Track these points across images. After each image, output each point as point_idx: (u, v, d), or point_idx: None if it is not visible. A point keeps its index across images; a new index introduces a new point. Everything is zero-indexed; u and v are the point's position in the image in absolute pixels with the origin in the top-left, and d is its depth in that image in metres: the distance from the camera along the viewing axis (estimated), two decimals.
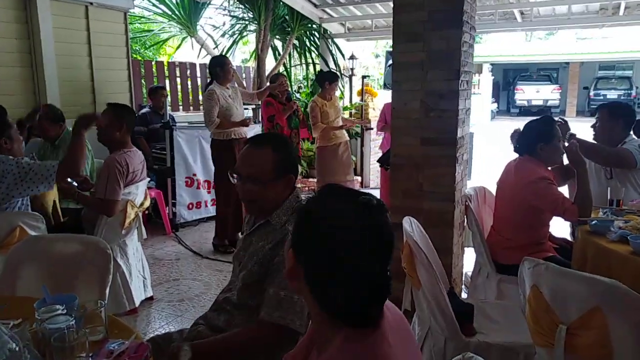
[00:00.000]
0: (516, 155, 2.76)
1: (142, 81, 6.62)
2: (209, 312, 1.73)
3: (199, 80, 7.45)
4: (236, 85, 4.67)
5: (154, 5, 7.03)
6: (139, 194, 3.31)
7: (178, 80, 7.12)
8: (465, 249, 3.31)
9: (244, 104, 4.64)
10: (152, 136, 5.50)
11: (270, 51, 8.05)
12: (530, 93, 20.65)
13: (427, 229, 3.00)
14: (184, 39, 7.75)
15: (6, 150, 2.48)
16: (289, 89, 5.15)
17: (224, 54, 7.40)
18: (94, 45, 5.51)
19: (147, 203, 3.48)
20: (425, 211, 3.07)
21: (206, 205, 5.55)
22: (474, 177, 7.94)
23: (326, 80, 5.38)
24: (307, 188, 7.06)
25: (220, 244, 4.61)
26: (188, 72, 7.28)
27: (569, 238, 3.10)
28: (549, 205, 2.49)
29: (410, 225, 2.19)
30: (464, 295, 3.37)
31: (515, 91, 21.18)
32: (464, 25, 2.85)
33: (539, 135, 2.60)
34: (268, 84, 5.36)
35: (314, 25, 7.61)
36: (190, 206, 5.40)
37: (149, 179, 3.48)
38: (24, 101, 4.90)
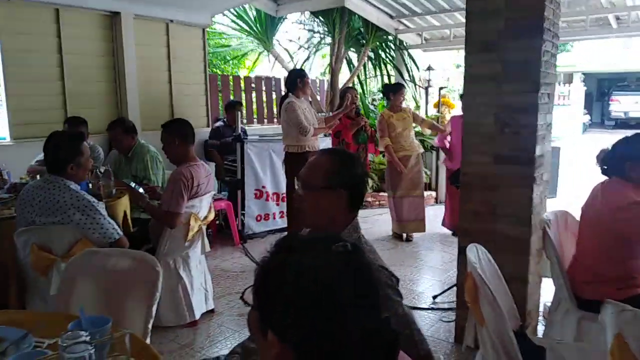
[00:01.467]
0: (605, 178, 2.44)
1: (219, 95, 6.78)
2: (247, 340, 1.65)
3: (273, 94, 7.55)
4: (310, 99, 4.62)
5: (232, 21, 7.23)
6: (202, 207, 3.33)
7: (253, 93, 7.26)
8: (544, 279, 3.00)
9: None
10: (225, 149, 5.60)
11: (345, 64, 8.02)
12: (627, 104, 19.05)
13: (499, 255, 2.76)
14: (260, 53, 7.90)
15: (70, 176, 2.59)
16: (358, 103, 5.03)
17: (299, 67, 7.45)
18: (172, 61, 5.74)
19: (211, 216, 3.50)
20: (498, 235, 2.82)
21: (274, 218, 5.55)
22: (560, 197, 7.39)
23: (389, 91, 5.23)
24: (377, 202, 6.89)
25: None
26: (263, 85, 7.40)
27: None
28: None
29: (475, 254, 1.98)
30: (540, 328, 3.05)
31: (610, 102, 19.64)
32: (545, 33, 2.59)
33: (629, 153, 2.29)
34: (338, 97, 5.29)
35: (390, 37, 7.46)
36: (259, 218, 5.43)
37: (214, 191, 3.50)
38: (107, 114, 5.17)
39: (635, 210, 2.18)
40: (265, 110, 7.45)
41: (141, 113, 5.42)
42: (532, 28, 2.58)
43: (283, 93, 4.49)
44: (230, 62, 9.01)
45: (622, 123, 19.42)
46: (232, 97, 6.79)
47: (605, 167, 2.42)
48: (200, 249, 3.39)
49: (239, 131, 5.27)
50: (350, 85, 7.80)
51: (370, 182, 7.05)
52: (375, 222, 6.10)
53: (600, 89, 22.46)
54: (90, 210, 2.53)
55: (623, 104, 19.19)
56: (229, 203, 5.19)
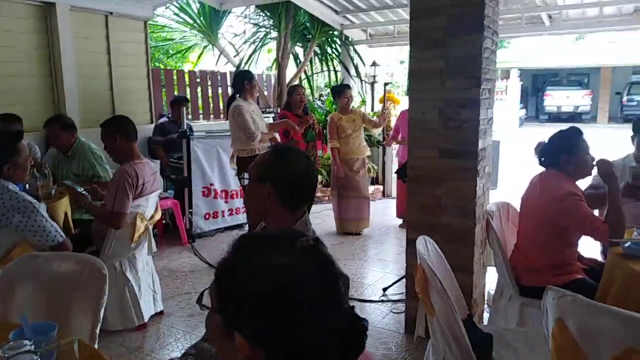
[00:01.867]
0: (542, 169, 2.57)
1: (163, 90, 6.59)
2: (200, 341, 1.62)
3: (219, 89, 7.42)
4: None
5: (175, 14, 7.04)
6: (149, 206, 3.23)
7: (199, 88, 7.11)
8: (489, 268, 3.13)
9: None
10: (170, 146, 5.46)
11: (292, 59, 7.99)
12: (559, 99, 20.11)
13: (445, 246, 2.84)
14: (205, 47, 7.74)
15: (7, 177, 2.45)
16: (305, 101, 5.02)
17: (244, 62, 7.36)
18: (113, 55, 5.52)
19: (158, 216, 3.40)
20: (443, 227, 2.91)
21: (223, 215, 5.47)
22: (501, 188, 7.70)
23: (334, 94, 5.30)
24: (327, 197, 6.93)
25: None
26: (209, 80, 7.27)
27: (599, 258, 2.89)
28: (576, 223, 2.30)
29: (424, 246, 2.04)
30: (486, 316, 3.18)
31: (544, 97, 20.67)
32: (486, 30, 2.69)
33: (564, 147, 2.42)
34: (286, 94, 5.26)
35: (335, 32, 7.50)
36: (207, 216, 5.33)
37: (160, 190, 3.40)
38: (43, 111, 4.91)
39: (571, 201, 2.30)
40: (212, 106, 7.32)
41: (80, 109, 5.19)
42: (473, 25, 2.67)
43: (230, 92, 4.41)
44: (174, 56, 8.77)
45: (554, 117, 20.47)
46: (176, 92, 6.62)
47: (542, 159, 2.54)
48: (147, 250, 3.30)
49: (185, 127, 5.15)
50: (297, 80, 7.79)
51: (320, 177, 7.09)
52: (325, 217, 6.14)
53: (535, 85, 23.57)
54: (31, 212, 2.40)
55: (555, 99, 20.23)
56: (175, 202, 5.06)
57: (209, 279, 3.13)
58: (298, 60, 7.95)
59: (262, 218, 1.61)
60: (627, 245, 2.11)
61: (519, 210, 2.69)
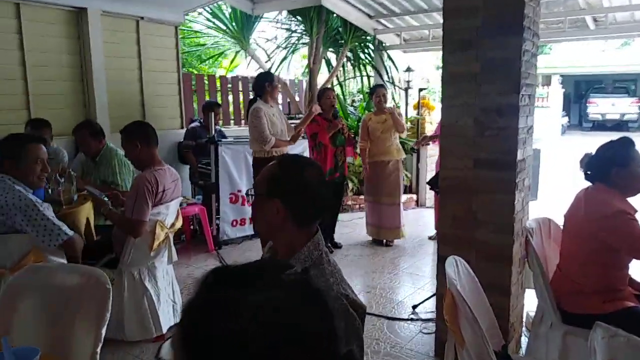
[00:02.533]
0: (588, 184, 2.33)
1: (194, 95, 6.57)
2: None
3: (250, 94, 7.36)
4: (279, 105, 4.46)
5: (207, 19, 7.03)
6: (169, 214, 3.14)
7: (230, 94, 7.06)
8: (528, 290, 2.89)
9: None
10: (200, 151, 5.40)
11: (324, 64, 7.87)
12: (604, 106, 19.27)
13: (480, 264, 2.65)
14: (237, 52, 7.71)
15: (6, 171, 2.43)
16: (336, 105, 4.87)
17: (276, 67, 7.28)
18: (143, 59, 5.52)
19: (179, 224, 3.31)
20: (478, 243, 2.70)
21: (251, 223, 5.36)
22: (541, 200, 7.34)
23: (369, 93, 5.15)
24: (358, 206, 6.75)
25: None
26: (240, 86, 7.22)
27: None
28: (627, 245, 2.06)
29: (454, 268, 1.85)
30: (524, 340, 2.93)
31: (588, 104, 19.85)
32: (525, 31, 2.47)
33: (614, 159, 2.18)
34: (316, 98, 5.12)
35: (368, 37, 7.34)
36: (234, 223, 5.24)
37: (187, 196, 3.31)
38: (73, 115, 4.94)
39: (621, 219, 2.07)
40: (242, 111, 7.25)
41: (110, 114, 5.19)
42: (511, 26, 2.46)
43: (251, 96, 4.31)
44: (207, 61, 8.80)
45: (599, 125, 19.64)
46: (207, 98, 6.59)
47: (589, 173, 2.31)
48: (167, 259, 3.20)
49: (213, 132, 5.08)
50: (329, 85, 7.66)
51: (350, 185, 6.92)
52: (355, 226, 5.96)
53: (578, 91, 22.72)
54: (32, 211, 2.36)
55: (600, 106, 19.41)
56: (202, 208, 4.99)
57: None
58: (330, 66, 7.81)
59: (271, 236, 1.46)
60: None
61: (562, 227, 2.46)
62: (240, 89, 7.17)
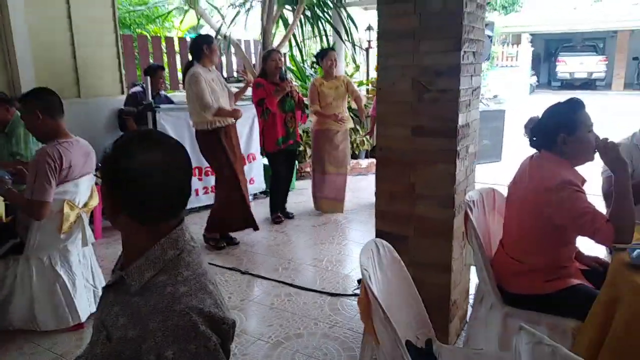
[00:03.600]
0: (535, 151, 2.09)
1: (136, 58, 6.11)
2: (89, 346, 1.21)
3: None
4: (215, 69, 4.09)
5: None
6: (80, 192, 2.81)
7: (177, 57, 6.61)
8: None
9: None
10: (142, 118, 4.99)
11: (282, 25, 7.41)
12: (573, 65, 19.20)
13: (420, 241, 2.43)
14: (186, 11, 7.19)
15: None
16: (282, 67, 4.50)
17: (227, 26, 6.80)
18: (75, 19, 5.03)
19: (94, 202, 2.98)
20: (417, 218, 2.46)
21: (197, 194, 5.07)
22: (506, 161, 7.20)
23: (318, 57, 4.81)
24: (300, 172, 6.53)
25: (211, 238, 4.14)
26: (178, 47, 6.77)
27: (603, 256, 2.43)
28: (572, 220, 1.84)
29: (372, 255, 1.59)
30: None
31: (557, 63, 19.76)
32: None
33: (561, 123, 1.93)
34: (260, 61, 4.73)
35: None
36: (197, 192, 4.95)
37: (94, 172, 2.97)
38: None
39: (567, 191, 1.83)
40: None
41: (37, 80, 4.71)
42: None
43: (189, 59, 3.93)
44: (156, 21, 8.22)
45: (567, 84, 19.65)
46: (151, 61, 6.13)
47: (534, 139, 2.06)
48: (82, 241, 2.89)
49: (150, 98, 4.68)
50: (285, 47, 7.24)
51: (308, 151, 6.63)
52: (309, 195, 5.70)
53: (548, 50, 22.59)
54: None
55: (569, 65, 19.34)
56: None
57: None
58: (288, 26, 7.36)
59: (119, 230, 1.17)
60: (635, 252, 1.64)
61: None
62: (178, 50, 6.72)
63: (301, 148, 6.62)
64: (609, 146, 1.83)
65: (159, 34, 7.64)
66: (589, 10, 19.48)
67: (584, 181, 1.96)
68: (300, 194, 5.86)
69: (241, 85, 4.61)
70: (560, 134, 1.93)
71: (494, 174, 5.92)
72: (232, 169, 3.92)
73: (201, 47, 3.78)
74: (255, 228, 4.17)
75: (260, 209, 4.98)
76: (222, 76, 4.21)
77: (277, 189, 4.78)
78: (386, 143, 2.47)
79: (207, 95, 3.66)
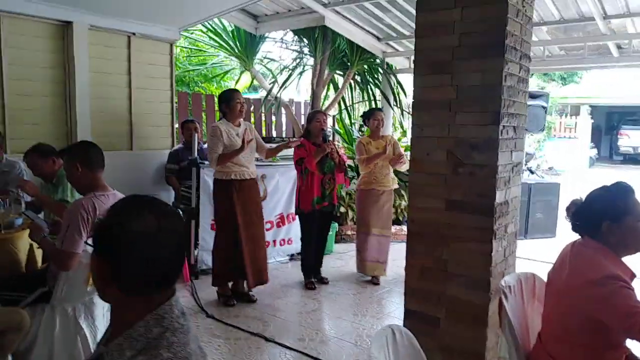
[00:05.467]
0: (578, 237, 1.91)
1: (189, 114, 6.35)
2: None
3: (252, 115, 7.13)
4: (251, 124, 4.19)
5: (210, 38, 6.84)
6: None
7: None
8: None
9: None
10: (184, 174, 5.12)
11: (332, 88, 7.58)
12: (636, 139, 18.39)
13: (451, 324, 2.24)
14: (242, 72, 7.50)
15: None
16: (326, 128, 4.51)
17: (279, 89, 7.01)
18: (134, 76, 5.33)
19: None
20: (449, 299, 2.29)
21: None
22: (561, 237, 6.79)
23: (365, 117, 4.81)
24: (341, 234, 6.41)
25: (221, 293, 4.10)
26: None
27: None
28: (618, 321, 1.63)
29: (386, 344, 1.45)
30: None
31: (619, 136, 19.00)
32: (508, 52, 2.10)
33: (606, 210, 1.76)
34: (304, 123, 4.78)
35: (377, 60, 7.02)
36: None
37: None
38: (54, 131, 4.76)
39: (612, 287, 1.64)
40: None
41: (93, 131, 4.97)
42: (492, 45, 2.09)
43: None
44: (213, 80, 8.61)
45: (630, 158, 18.76)
46: (203, 117, 6.35)
47: (577, 224, 1.89)
48: None
49: (196, 154, 4.80)
50: (334, 110, 7.36)
51: (350, 213, 6.54)
52: (350, 259, 5.54)
53: (609, 122, 21.84)
54: None
55: (632, 139, 18.54)
56: None
57: (195, 325, 2.58)
58: (338, 89, 7.51)
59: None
60: None
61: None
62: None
63: (342, 210, 6.54)
64: None
65: (210, 93, 7.97)
66: None
67: (633, 275, 1.76)
68: (340, 258, 5.72)
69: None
70: (605, 221, 1.75)
71: (546, 250, 5.57)
72: (234, 222, 3.91)
73: (221, 105, 3.99)
74: (249, 287, 4.09)
75: (296, 271, 4.87)
76: (271, 137, 4.33)
77: (308, 252, 4.68)
78: (418, 215, 2.35)
79: (215, 147, 3.81)
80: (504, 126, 2.14)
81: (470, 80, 2.15)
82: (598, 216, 1.78)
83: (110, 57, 5.14)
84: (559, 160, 14.27)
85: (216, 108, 6.69)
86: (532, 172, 10.35)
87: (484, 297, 2.19)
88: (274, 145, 4.77)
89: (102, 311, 2.88)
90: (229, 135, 3.85)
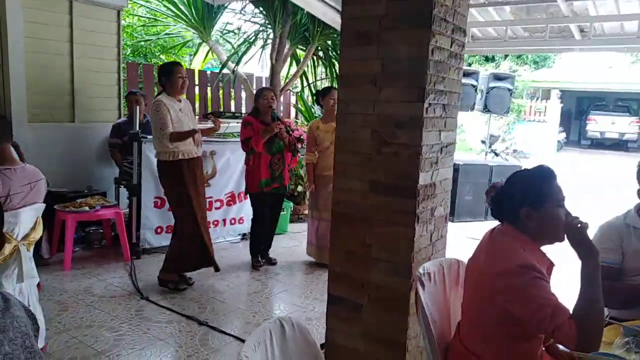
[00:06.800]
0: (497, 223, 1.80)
1: (140, 86, 6.06)
2: None
3: (208, 89, 6.87)
4: (187, 100, 3.96)
5: (165, 6, 6.50)
6: (19, 222, 2.62)
7: (197, 89, 6.58)
8: None
9: None
10: (127, 149, 4.87)
11: (295, 64, 7.34)
12: (604, 124, 18.66)
13: (373, 312, 2.13)
14: (200, 44, 7.19)
15: None
16: (273, 107, 4.29)
17: (236, 61, 6.75)
18: (77, 44, 5.02)
19: (37, 234, 2.78)
20: (373, 286, 2.18)
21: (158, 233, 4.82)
22: None
23: (319, 96, 4.62)
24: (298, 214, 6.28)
25: (169, 280, 3.87)
26: (197, 79, 6.72)
27: None
28: (528, 314, 1.52)
29: (266, 341, 1.31)
30: None
31: (587, 121, 19.26)
32: (436, 23, 1.94)
33: (526, 194, 1.64)
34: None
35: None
36: (159, 230, 4.72)
37: (41, 202, 2.78)
38: None
39: (524, 277, 1.52)
40: (198, 107, 6.75)
41: (31, 101, 4.70)
42: (417, 16, 1.93)
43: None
44: (171, 51, 8.27)
45: (597, 143, 19.09)
46: (155, 90, 6.06)
47: (497, 209, 1.77)
48: (17, 277, 2.68)
49: (137, 128, 4.56)
50: (295, 85, 7.14)
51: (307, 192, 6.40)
52: (303, 240, 5.40)
53: (579, 107, 22.12)
54: None
55: (600, 124, 18.81)
56: (118, 212, 4.47)
57: (126, 309, 2.35)
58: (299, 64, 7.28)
59: None
60: None
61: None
62: (197, 82, 6.67)
63: (300, 189, 6.40)
64: (574, 225, 1.53)
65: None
66: (625, 71, 19.05)
67: (551, 265, 1.66)
68: (293, 238, 5.60)
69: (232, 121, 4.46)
70: (524, 207, 1.64)
71: None
72: (190, 204, 3.70)
73: (160, 78, 3.73)
74: (216, 269, 3.91)
75: (246, 251, 4.73)
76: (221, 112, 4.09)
77: (258, 233, 4.52)
78: (342, 197, 2.21)
79: (167, 122, 3.55)
80: (430, 104, 1.99)
81: (396, 53, 1.99)
82: (517, 201, 1.66)
83: (49, 22, 4.82)
84: (527, 144, 14.35)
85: None
86: (496, 155, 10.39)
87: (405, 284, 2.07)
88: (223, 122, 4.58)
89: (13, 293, 2.68)
90: (173, 110, 3.61)
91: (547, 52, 6.93)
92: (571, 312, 1.47)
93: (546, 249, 1.68)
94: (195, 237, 3.77)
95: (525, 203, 1.64)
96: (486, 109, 8.23)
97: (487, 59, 17.99)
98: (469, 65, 16.82)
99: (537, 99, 18.56)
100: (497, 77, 8.26)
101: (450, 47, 2.10)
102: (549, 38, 5.64)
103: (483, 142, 9.65)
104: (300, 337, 1.43)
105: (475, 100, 7.93)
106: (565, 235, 1.56)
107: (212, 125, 3.93)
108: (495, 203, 1.75)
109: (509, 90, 8.35)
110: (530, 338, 1.67)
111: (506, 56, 17.86)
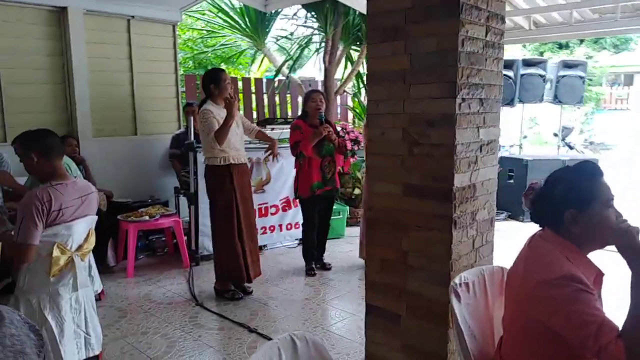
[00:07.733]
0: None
1: (198, 97, 6.23)
2: None
3: (265, 96, 6.95)
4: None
5: (220, 18, 6.66)
6: (72, 234, 2.73)
7: (253, 97, 6.70)
8: None
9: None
10: (186, 159, 5.01)
11: (349, 65, 7.27)
12: None
13: (412, 323, 2.02)
14: (256, 52, 7.31)
15: None
16: (321, 109, 4.23)
17: (290, 67, 6.78)
18: (135, 60, 5.25)
19: (91, 245, 2.89)
20: (410, 295, 2.06)
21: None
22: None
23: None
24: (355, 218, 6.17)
25: (225, 289, 3.91)
26: (253, 87, 6.82)
27: None
28: (570, 331, 1.35)
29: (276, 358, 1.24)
30: None
31: None
32: (466, 11, 1.80)
33: (567, 196, 1.46)
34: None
35: None
36: None
37: (94, 215, 2.89)
38: (55, 118, 4.77)
39: (566, 290, 1.35)
40: (256, 114, 6.85)
41: (94, 117, 4.96)
42: (444, 5, 1.79)
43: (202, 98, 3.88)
44: (230, 61, 8.47)
45: None
46: None
47: (537, 213, 1.60)
48: (72, 286, 2.80)
49: (192, 138, 4.68)
50: (348, 87, 7.06)
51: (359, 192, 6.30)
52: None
53: None
54: None
55: None
56: (177, 220, 4.61)
57: (179, 315, 2.50)
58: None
59: None
60: None
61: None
62: (253, 90, 6.77)
63: (357, 192, 6.30)
64: (624, 229, 1.34)
65: (232, 74, 7.83)
66: None
67: (600, 275, 1.47)
68: (350, 242, 5.52)
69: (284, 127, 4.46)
70: (568, 209, 1.46)
71: None
72: (231, 213, 3.72)
73: (208, 86, 3.73)
74: (248, 281, 3.91)
75: (302, 256, 4.71)
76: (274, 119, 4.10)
77: (309, 239, 4.48)
78: (376, 201, 2.11)
79: (213, 127, 3.58)
80: (463, 99, 1.84)
81: (425, 47, 1.86)
82: (559, 203, 1.48)
83: (110, 41, 5.07)
84: (608, 135, 13.35)
85: None
86: (570, 148, 9.71)
87: (444, 294, 1.93)
88: (275, 128, 4.60)
89: (68, 302, 2.81)
90: (220, 118, 3.63)
91: (620, 35, 6.35)
92: (620, 329, 1.29)
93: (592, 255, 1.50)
94: (233, 254, 3.77)
95: (569, 205, 1.46)
96: (556, 99, 7.71)
97: (560, 46, 16.95)
98: (541, 54, 15.95)
99: (619, 85, 17.23)
100: (567, 65, 7.72)
101: (486, 36, 1.94)
102: (620, 18, 5.17)
103: (555, 135, 9.04)
104: (316, 355, 1.35)
105: (543, 90, 7.45)
106: (614, 240, 1.37)
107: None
108: (535, 206, 1.58)
109: (581, 77, 7.77)
110: (577, 357, 1.49)
111: (581, 41, 16.73)
